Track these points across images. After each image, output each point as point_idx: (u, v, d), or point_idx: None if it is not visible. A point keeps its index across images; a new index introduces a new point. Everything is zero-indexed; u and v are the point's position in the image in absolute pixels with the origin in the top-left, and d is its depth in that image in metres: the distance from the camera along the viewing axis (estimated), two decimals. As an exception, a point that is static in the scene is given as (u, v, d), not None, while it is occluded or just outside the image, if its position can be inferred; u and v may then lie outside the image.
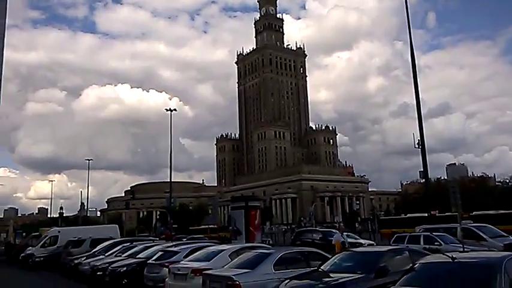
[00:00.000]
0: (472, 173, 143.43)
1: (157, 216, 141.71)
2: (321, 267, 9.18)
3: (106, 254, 20.40)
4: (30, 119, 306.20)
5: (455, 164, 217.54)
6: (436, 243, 18.23)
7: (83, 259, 20.95)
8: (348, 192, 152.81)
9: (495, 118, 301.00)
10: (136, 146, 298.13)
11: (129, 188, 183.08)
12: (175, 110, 57.84)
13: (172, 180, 56.91)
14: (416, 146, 34.03)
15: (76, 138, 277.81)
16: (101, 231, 30.64)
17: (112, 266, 16.18)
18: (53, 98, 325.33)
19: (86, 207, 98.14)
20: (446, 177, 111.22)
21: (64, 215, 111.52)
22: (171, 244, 16.64)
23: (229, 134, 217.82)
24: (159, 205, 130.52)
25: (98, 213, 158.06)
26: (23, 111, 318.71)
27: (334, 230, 24.34)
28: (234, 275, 9.48)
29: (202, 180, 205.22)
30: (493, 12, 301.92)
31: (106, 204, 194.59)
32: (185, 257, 13.58)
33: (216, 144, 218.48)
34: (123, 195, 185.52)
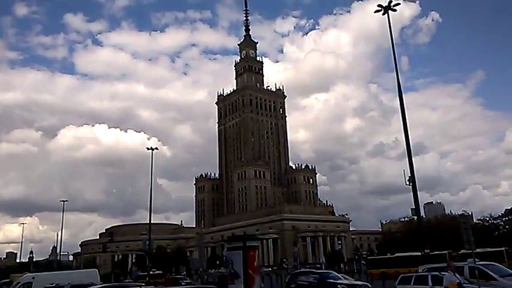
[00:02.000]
0: (451, 211, 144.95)
1: (133, 260, 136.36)
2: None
3: (88, 303, 18.56)
4: (2, 160, 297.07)
5: (432, 202, 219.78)
6: (445, 284, 17.12)
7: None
8: (329, 231, 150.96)
9: (468, 157, 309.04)
10: (112, 186, 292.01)
11: (104, 231, 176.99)
12: (156, 148, 57.06)
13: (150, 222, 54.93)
14: (407, 183, 33.49)
15: (50, 179, 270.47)
16: (80, 276, 28.32)
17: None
18: (28, 138, 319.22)
19: (58, 251, 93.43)
20: (424, 216, 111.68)
21: (34, 259, 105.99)
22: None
23: (208, 173, 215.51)
24: (135, 248, 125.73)
25: (71, 257, 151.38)
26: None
27: (333, 272, 22.98)
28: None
29: (181, 221, 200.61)
30: (461, 57, 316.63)
31: (79, 248, 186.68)
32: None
33: (195, 184, 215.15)
34: (98, 237, 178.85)
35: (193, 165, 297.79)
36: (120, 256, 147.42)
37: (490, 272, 18.92)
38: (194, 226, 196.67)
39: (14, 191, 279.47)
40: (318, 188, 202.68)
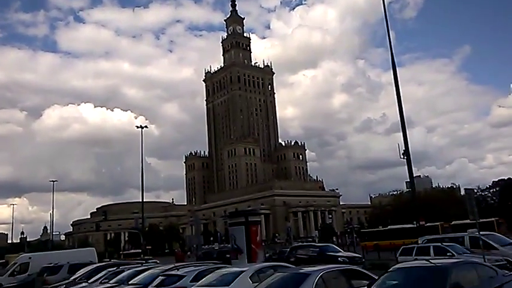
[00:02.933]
0: (438, 184, 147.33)
1: (126, 238, 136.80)
2: (374, 287, 7.90)
3: (89, 281, 18.35)
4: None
5: (419, 176, 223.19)
6: (448, 254, 17.32)
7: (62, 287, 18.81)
8: (320, 206, 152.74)
9: (454, 131, 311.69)
10: (101, 166, 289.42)
11: (95, 210, 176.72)
12: (146, 127, 56.34)
13: (140, 201, 54.73)
14: (402, 156, 33.56)
15: (37, 160, 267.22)
16: (77, 255, 28.08)
17: (102, 295, 14.28)
18: (12, 118, 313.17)
19: (49, 231, 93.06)
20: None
21: (26, 240, 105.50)
22: (170, 267, 14.79)
23: (198, 151, 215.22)
24: (128, 226, 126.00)
25: (62, 237, 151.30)
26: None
27: (332, 245, 23.11)
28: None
29: (172, 199, 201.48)
30: (448, 31, 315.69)
31: (70, 227, 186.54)
32: (192, 281, 11.96)
33: (185, 162, 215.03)
34: (89, 217, 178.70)
35: (182, 143, 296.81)
36: (113, 235, 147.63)
37: (491, 242, 19.17)
38: (185, 204, 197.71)
39: (1, 172, 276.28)
40: (308, 164, 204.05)
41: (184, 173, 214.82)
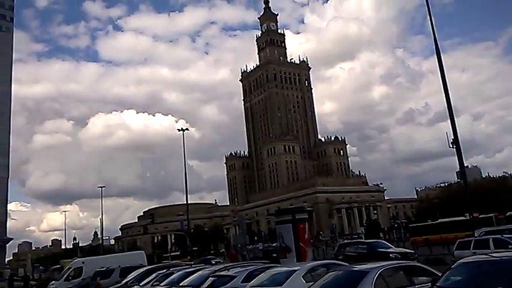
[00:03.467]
0: (488, 174, 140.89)
1: (173, 240, 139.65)
2: (438, 284, 7.37)
3: (141, 284, 18.58)
4: (39, 151, 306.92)
5: (467, 166, 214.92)
6: (510, 246, 16.27)
7: (115, 291, 19.16)
8: (364, 202, 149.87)
9: (502, 118, 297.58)
10: (145, 170, 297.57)
11: (142, 213, 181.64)
12: (187, 129, 57.05)
13: (185, 203, 55.50)
14: (451, 145, 32.16)
15: (85, 168, 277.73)
16: (128, 258, 28.68)
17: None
18: (60, 128, 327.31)
19: (99, 236, 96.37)
20: (460, 181, 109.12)
21: (78, 246, 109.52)
22: (220, 268, 14.70)
23: (238, 151, 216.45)
24: (173, 228, 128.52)
25: (112, 241, 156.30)
26: (31, 144, 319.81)
27: (382, 241, 22.34)
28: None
29: (215, 200, 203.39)
30: (491, 13, 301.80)
31: (119, 231, 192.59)
32: (243, 282, 11.77)
33: (225, 163, 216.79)
34: (137, 220, 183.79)
35: (222, 144, 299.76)
36: (160, 237, 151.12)
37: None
38: (228, 204, 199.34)
39: (53, 181, 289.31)
40: (349, 159, 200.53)
41: (226, 173, 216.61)
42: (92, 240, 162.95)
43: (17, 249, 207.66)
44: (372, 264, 8.84)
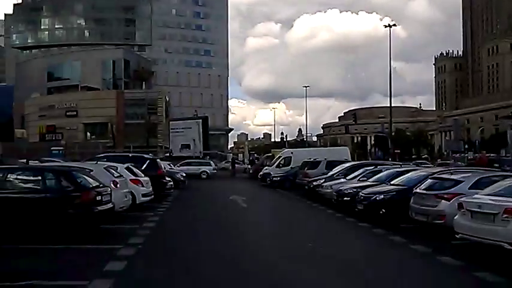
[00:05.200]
0: None
1: (372, 142, 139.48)
2: None
3: (347, 178, 18.53)
4: (251, 53, 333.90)
5: None
6: None
7: (321, 181, 19.60)
8: None
9: None
10: (346, 72, 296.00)
11: (343, 114, 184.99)
12: (394, 25, 51.91)
13: (386, 105, 52.89)
14: None
15: (291, 69, 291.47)
16: (333, 153, 29.38)
17: (364, 192, 13.87)
18: (269, 31, 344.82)
19: (303, 132, 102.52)
20: None
21: (284, 139, 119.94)
22: (442, 170, 13.11)
23: (450, 51, 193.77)
24: (373, 130, 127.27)
25: (314, 138, 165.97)
26: (245, 47, 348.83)
27: None
28: None
29: (419, 104, 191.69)
30: None
31: (321, 130, 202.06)
32: (470, 188, 10.13)
33: (434, 64, 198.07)
34: (337, 121, 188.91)
35: (431, 44, 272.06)
36: (359, 138, 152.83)
37: None
38: (434, 109, 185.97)
39: (264, 80, 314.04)
40: None
41: (434, 76, 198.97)
42: (296, 136, 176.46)
43: (236, 138, 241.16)
44: None
